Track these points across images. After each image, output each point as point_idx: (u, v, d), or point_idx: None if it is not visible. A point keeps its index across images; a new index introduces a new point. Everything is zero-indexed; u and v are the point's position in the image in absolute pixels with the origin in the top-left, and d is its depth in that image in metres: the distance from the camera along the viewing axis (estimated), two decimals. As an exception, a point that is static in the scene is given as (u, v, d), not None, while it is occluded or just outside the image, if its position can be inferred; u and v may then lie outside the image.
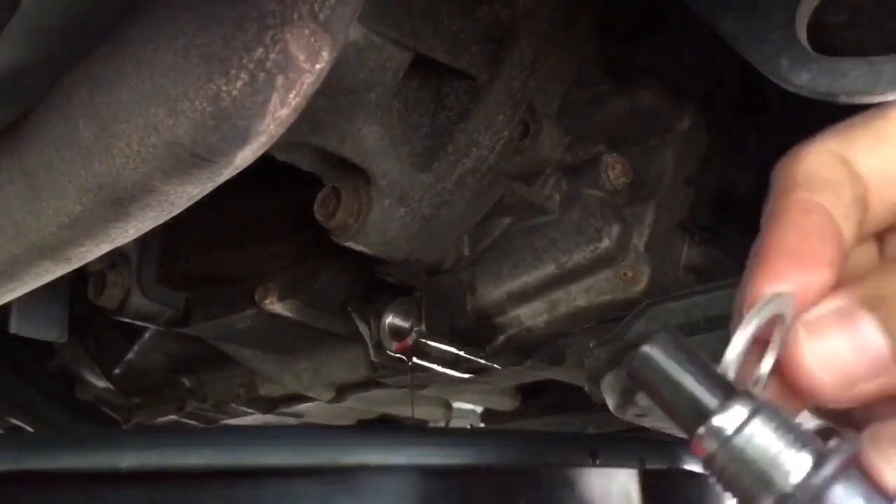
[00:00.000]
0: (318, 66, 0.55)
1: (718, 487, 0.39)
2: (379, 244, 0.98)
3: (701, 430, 0.38)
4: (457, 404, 1.68)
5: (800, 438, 0.38)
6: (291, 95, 0.55)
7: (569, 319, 1.05)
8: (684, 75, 1.07)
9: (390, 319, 1.12)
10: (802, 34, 0.72)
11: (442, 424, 1.71)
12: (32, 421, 1.86)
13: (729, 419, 0.38)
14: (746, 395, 0.38)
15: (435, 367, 1.10)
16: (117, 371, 1.60)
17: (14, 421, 1.86)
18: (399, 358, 1.10)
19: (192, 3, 0.54)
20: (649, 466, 0.97)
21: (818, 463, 0.37)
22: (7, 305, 1.32)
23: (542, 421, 1.59)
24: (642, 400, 0.92)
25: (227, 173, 0.60)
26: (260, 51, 0.53)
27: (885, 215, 0.41)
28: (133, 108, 0.56)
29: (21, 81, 0.61)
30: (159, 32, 0.55)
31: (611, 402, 0.96)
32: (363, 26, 0.84)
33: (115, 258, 1.34)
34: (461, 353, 1.06)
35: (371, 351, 1.14)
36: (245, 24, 0.52)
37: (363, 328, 1.15)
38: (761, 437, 0.38)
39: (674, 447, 1.08)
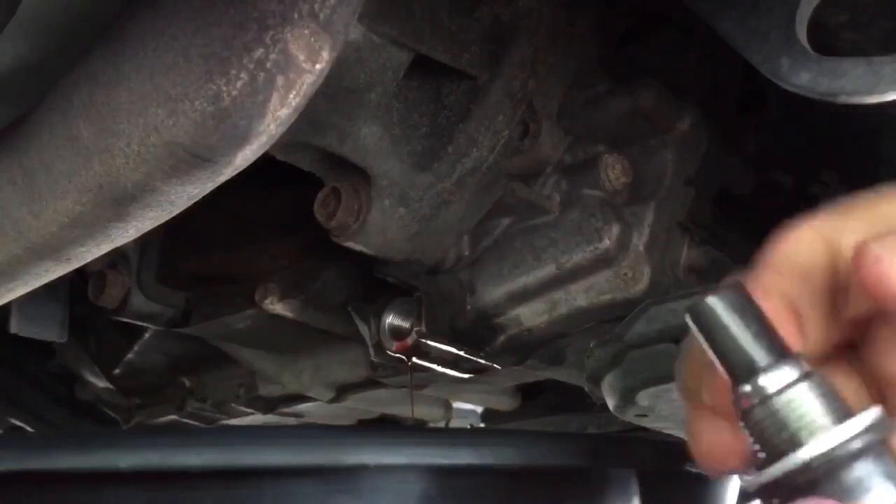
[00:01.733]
0: (318, 66, 0.55)
1: (751, 439, 0.40)
2: (379, 244, 0.98)
3: (746, 385, 0.40)
4: (457, 404, 1.68)
5: (839, 410, 0.39)
6: (291, 95, 0.55)
7: (569, 319, 1.05)
8: (684, 75, 1.07)
9: (390, 319, 1.12)
10: (802, 34, 0.72)
11: (442, 424, 1.71)
12: (32, 421, 1.86)
13: (775, 379, 0.39)
14: (798, 361, 0.40)
15: (435, 367, 1.10)
16: (117, 371, 1.60)
17: (14, 421, 1.86)
18: (399, 358, 1.10)
19: (192, 2, 0.54)
20: (649, 467, 0.97)
21: (850, 437, 0.38)
22: (7, 305, 1.32)
23: (542, 421, 1.59)
24: (643, 400, 0.92)
25: (227, 173, 0.60)
26: (260, 51, 0.53)
27: None
28: (133, 108, 0.56)
29: (21, 81, 0.61)
30: (159, 32, 0.55)
31: (611, 403, 0.96)
32: (363, 26, 0.84)
33: (115, 258, 1.34)
34: (461, 353, 1.06)
35: (371, 351, 1.14)
36: (245, 24, 0.52)
37: (363, 328, 1.15)
38: (801, 403, 0.39)
39: (674, 447, 1.08)
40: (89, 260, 0.71)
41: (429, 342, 1.04)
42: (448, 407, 1.65)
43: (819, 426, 0.39)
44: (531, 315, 1.06)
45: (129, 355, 1.57)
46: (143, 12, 0.56)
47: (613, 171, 1.01)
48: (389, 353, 1.11)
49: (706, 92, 1.08)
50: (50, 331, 1.42)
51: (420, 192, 0.97)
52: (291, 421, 1.60)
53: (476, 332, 1.07)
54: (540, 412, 1.60)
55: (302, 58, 0.54)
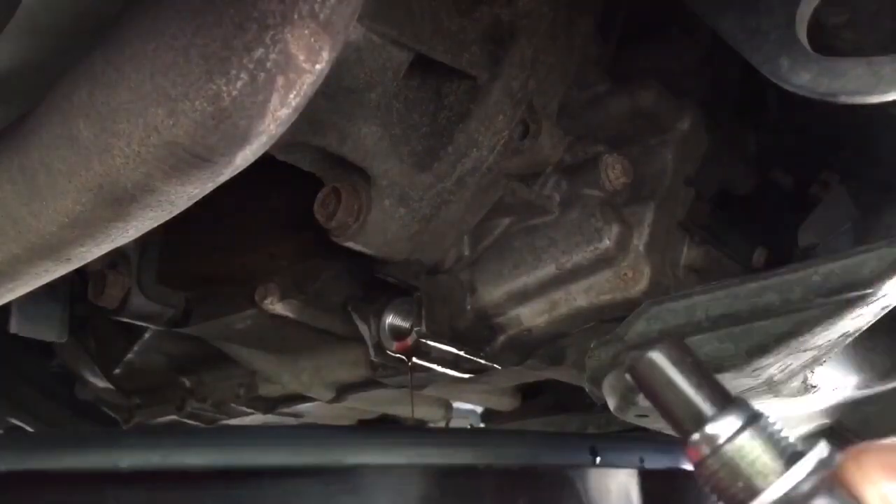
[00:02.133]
0: (318, 66, 0.55)
1: (707, 490, 0.41)
2: (379, 244, 0.98)
3: (695, 435, 0.41)
4: (457, 404, 1.68)
5: (788, 450, 0.41)
6: (291, 95, 0.55)
7: (569, 319, 1.05)
8: (684, 75, 1.07)
9: (390, 319, 1.12)
10: (802, 34, 0.72)
11: (442, 424, 1.71)
12: (32, 421, 1.86)
13: (722, 427, 0.41)
14: (742, 406, 0.41)
15: (435, 367, 1.10)
16: (117, 371, 1.60)
17: (14, 421, 1.86)
18: (399, 358, 1.10)
19: (192, 3, 0.54)
20: (649, 466, 0.97)
21: (803, 477, 0.40)
22: (7, 305, 1.32)
23: (542, 421, 1.59)
24: (643, 401, 0.92)
25: (227, 173, 0.60)
26: (260, 51, 0.53)
27: None
28: (133, 108, 0.56)
29: (21, 81, 0.61)
30: (159, 32, 0.55)
31: (612, 403, 0.96)
32: (363, 26, 0.84)
33: (116, 258, 1.34)
34: (461, 353, 1.06)
35: (371, 351, 1.14)
36: (245, 24, 0.52)
37: (363, 328, 1.15)
38: (751, 448, 0.41)
39: (674, 447, 1.08)
40: (89, 260, 0.70)
41: (429, 342, 1.04)
42: (448, 407, 1.65)
43: (771, 470, 0.40)
44: (531, 315, 1.06)
45: (129, 355, 1.57)
46: (143, 12, 0.56)
47: (613, 171, 1.01)
48: (389, 353, 1.11)
49: (706, 92, 1.08)
50: (50, 331, 1.42)
51: (420, 192, 0.97)
52: (291, 421, 1.60)
53: (476, 332, 1.07)
54: (540, 412, 1.60)
55: (302, 58, 0.54)
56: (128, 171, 0.58)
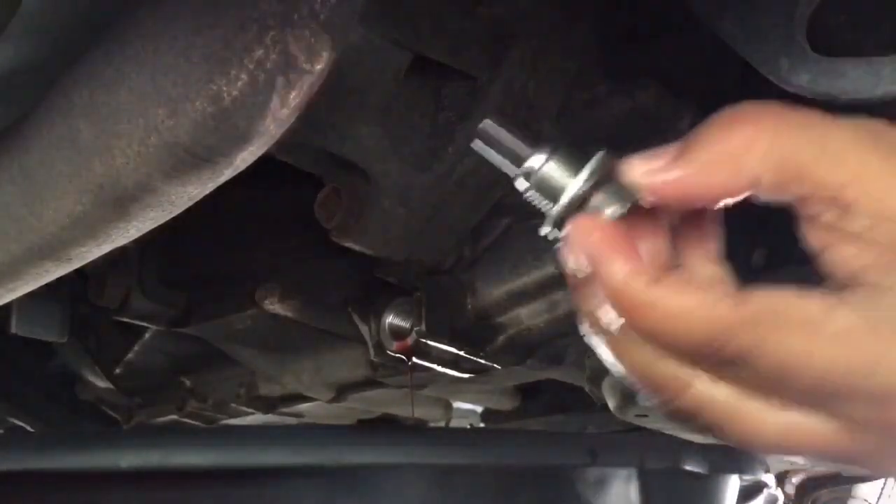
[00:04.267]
0: (318, 67, 0.55)
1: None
2: (379, 244, 0.98)
3: (517, 170, 0.60)
4: (457, 404, 1.68)
5: (584, 174, 0.58)
6: (292, 96, 0.55)
7: (569, 319, 1.05)
8: (684, 75, 1.07)
9: (390, 319, 1.12)
10: (802, 35, 0.72)
11: (442, 424, 1.71)
12: (32, 421, 1.86)
13: (534, 161, 0.59)
14: (549, 147, 0.59)
15: (435, 367, 1.10)
16: (118, 371, 1.60)
17: (14, 421, 1.86)
18: (399, 358, 1.10)
19: (192, 3, 0.54)
20: (649, 466, 0.97)
21: (585, 180, 0.57)
22: (7, 305, 1.32)
23: (542, 421, 1.59)
24: (643, 400, 0.92)
25: (227, 174, 0.60)
26: (260, 51, 0.53)
27: None
28: (133, 108, 0.56)
29: (21, 81, 0.62)
30: (159, 32, 0.55)
31: (612, 403, 0.96)
32: (363, 27, 0.84)
33: (116, 258, 1.34)
34: (461, 353, 1.06)
35: (371, 351, 1.14)
36: (245, 25, 0.53)
37: (363, 328, 1.15)
38: (555, 172, 0.59)
39: (674, 447, 1.08)
40: (89, 260, 0.71)
41: (429, 342, 1.04)
42: (448, 407, 1.65)
43: (566, 184, 0.57)
44: (531, 315, 1.06)
45: (130, 355, 1.57)
46: (143, 12, 0.56)
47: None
48: (389, 353, 1.11)
49: (706, 92, 1.08)
50: (50, 331, 1.42)
51: (420, 193, 0.97)
52: (291, 421, 1.60)
53: (476, 332, 1.07)
54: (540, 412, 1.60)
55: (302, 58, 0.54)
56: (128, 172, 0.58)
